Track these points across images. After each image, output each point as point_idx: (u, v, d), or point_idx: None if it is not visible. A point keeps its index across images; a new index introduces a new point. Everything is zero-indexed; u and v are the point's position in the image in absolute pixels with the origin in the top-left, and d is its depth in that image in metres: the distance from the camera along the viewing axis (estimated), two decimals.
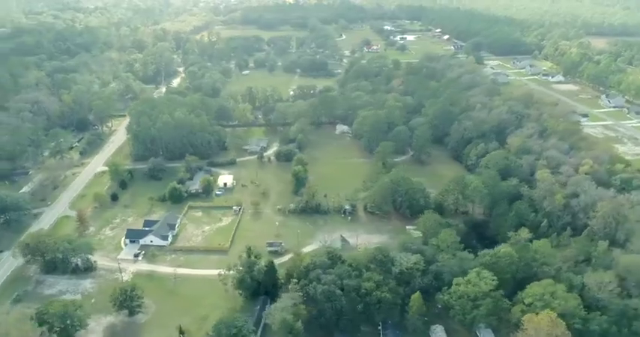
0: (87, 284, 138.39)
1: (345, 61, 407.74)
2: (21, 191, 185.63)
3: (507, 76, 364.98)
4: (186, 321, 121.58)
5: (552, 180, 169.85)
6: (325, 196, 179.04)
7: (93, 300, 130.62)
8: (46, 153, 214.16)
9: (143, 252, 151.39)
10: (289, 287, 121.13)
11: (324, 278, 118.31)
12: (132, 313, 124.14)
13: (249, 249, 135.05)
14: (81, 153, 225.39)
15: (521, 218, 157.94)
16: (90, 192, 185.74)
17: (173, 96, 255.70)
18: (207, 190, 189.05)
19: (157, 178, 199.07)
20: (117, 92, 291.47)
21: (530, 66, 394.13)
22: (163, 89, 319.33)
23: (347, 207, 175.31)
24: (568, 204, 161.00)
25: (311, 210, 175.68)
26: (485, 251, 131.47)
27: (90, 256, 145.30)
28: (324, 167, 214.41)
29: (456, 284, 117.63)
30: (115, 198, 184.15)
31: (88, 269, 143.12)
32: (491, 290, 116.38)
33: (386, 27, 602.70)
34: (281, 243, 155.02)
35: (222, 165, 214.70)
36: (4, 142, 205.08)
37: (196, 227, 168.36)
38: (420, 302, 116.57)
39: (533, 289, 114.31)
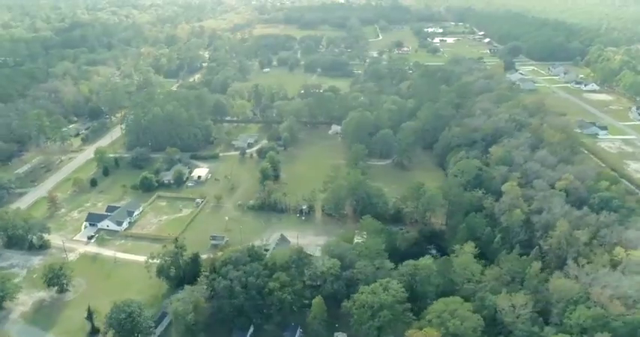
0: (36, 260, 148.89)
1: (367, 61, 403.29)
2: (15, 172, 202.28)
3: (534, 82, 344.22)
4: (105, 303, 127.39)
5: (518, 194, 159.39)
6: (284, 195, 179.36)
7: (35, 275, 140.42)
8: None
9: (97, 235, 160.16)
10: (199, 279, 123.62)
11: (231, 274, 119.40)
12: (61, 290, 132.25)
13: (176, 239, 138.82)
14: (83, 140, 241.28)
15: (473, 231, 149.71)
16: (76, 176, 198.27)
17: (172, 91, 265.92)
18: (179, 181, 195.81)
19: (139, 167, 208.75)
20: (134, 84, 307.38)
21: (565, 73, 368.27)
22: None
23: (304, 207, 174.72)
24: (528, 221, 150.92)
25: (269, 208, 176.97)
26: (408, 262, 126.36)
27: (46, 235, 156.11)
28: (301, 166, 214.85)
29: (361, 293, 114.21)
30: (94, 183, 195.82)
31: (42, 246, 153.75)
32: (398, 302, 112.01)
33: (429, 29, 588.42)
34: (224, 237, 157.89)
35: (204, 159, 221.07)
36: (13, 126, 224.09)
37: (155, 215, 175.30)
38: (321, 307, 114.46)
39: (437, 305, 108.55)
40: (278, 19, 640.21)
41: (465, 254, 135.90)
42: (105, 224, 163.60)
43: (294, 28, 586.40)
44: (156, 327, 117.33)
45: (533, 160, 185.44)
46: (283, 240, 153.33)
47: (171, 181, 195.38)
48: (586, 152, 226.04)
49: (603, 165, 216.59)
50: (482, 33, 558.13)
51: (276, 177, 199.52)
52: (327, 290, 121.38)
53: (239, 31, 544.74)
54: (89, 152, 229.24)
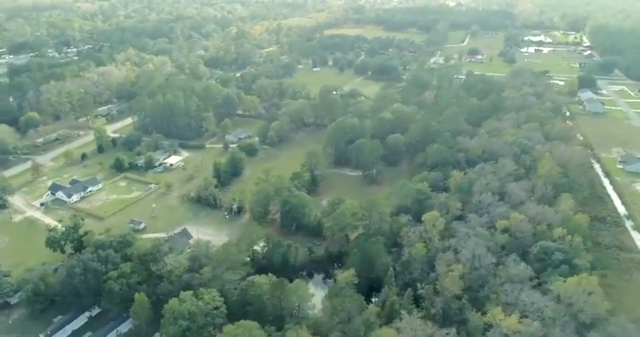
0: None
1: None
2: (35, 140, 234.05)
3: (603, 104, 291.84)
4: (9, 262, 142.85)
5: (439, 226, 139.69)
6: (218, 190, 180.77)
7: None
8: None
9: (47, 203, 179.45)
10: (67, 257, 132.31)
11: (83, 256, 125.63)
12: None
13: (75, 216, 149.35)
14: (107, 120, 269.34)
15: (369, 258, 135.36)
16: (69, 150, 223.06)
17: (185, 82, 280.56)
18: (148, 166, 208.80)
19: (130, 148, 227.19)
20: (181, 73, 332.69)
21: None
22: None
23: (234, 206, 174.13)
24: (432, 259, 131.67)
25: (204, 202, 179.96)
26: (251, 277, 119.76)
27: (9, 196, 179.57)
28: (274, 166, 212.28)
29: (178, 298, 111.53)
30: (83, 158, 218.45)
31: (1, 206, 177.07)
32: (214, 309, 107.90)
33: (530, 37, 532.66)
34: (141, 223, 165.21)
35: (191, 148, 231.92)
36: (51, 102, 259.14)
37: (107, 194, 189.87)
38: (141, 304, 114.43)
39: (230, 328, 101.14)
40: (368, 20, 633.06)
41: (340, 281, 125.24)
42: (59, 194, 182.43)
43: (381, 30, 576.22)
44: (16, 292, 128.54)
45: (498, 192, 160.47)
46: (184, 234, 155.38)
47: (142, 164, 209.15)
48: (610, 193, 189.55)
49: (623, 212, 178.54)
50: (587, 45, 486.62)
51: (235, 174, 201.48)
52: (163, 288, 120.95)
53: (322, 30, 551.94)
54: (110, 127, 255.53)
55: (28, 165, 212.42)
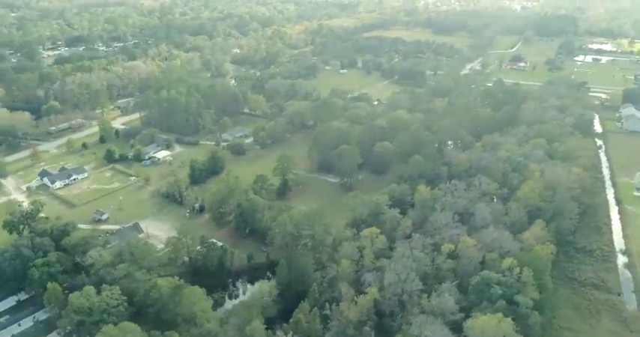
0: None
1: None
2: (50, 128, 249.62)
3: None
4: None
5: (375, 243, 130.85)
6: (186, 189, 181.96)
7: None
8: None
9: (31, 188, 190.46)
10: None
11: (19, 241, 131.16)
12: None
13: (36, 202, 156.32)
14: (122, 112, 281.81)
15: (295, 272, 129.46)
16: (71, 138, 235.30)
17: (191, 78, 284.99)
18: (137, 158, 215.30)
19: (128, 140, 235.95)
20: (201, 71, 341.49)
21: None
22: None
23: (196, 205, 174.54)
24: (359, 278, 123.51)
25: (172, 198, 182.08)
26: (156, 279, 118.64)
27: (2, 179, 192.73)
28: (257, 167, 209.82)
29: (80, 292, 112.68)
30: (84, 147, 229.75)
31: None
32: (115, 306, 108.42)
33: (591, 45, 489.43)
34: (104, 213, 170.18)
35: (185, 144, 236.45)
36: (74, 93, 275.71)
37: (90, 183, 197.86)
38: (54, 293, 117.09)
39: (109, 328, 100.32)
40: (418, 22, 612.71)
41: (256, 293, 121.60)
42: (45, 180, 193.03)
43: (429, 32, 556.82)
44: None
45: (463, 212, 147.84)
46: (134, 228, 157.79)
47: (131, 157, 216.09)
48: (613, 223, 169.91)
49: (620, 246, 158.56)
50: None
51: (215, 172, 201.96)
52: (79, 280, 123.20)
53: (366, 31, 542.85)
54: (117, 122, 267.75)
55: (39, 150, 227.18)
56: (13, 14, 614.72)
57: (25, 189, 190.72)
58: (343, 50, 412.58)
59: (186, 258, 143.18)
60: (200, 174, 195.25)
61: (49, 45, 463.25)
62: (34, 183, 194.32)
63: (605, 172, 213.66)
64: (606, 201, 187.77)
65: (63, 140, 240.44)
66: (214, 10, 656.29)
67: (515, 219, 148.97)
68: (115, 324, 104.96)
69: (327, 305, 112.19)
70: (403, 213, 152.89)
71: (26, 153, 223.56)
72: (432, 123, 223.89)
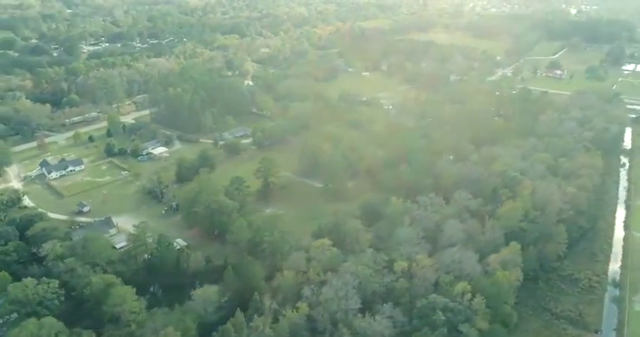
0: None
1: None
2: (65, 120, 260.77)
3: None
4: None
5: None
6: (166, 186, 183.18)
7: None
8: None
9: (29, 177, 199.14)
10: None
11: None
12: None
13: (17, 191, 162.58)
14: (136, 107, 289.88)
15: (243, 279, 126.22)
16: (79, 131, 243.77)
17: (203, 76, 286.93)
18: (134, 154, 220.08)
19: (131, 134, 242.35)
20: (222, 69, 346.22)
21: None
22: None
23: (174, 203, 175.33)
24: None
25: (154, 194, 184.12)
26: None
27: (5, 167, 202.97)
28: (248, 168, 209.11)
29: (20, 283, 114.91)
30: (91, 140, 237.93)
31: None
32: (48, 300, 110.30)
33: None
34: (86, 206, 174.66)
35: (186, 141, 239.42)
36: (93, 89, 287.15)
37: (84, 175, 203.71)
38: (1, 280, 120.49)
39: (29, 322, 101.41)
40: (459, 26, 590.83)
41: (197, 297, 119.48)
42: (43, 170, 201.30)
43: (467, 36, 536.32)
44: None
45: (433, 229, 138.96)
46: (106, 222, 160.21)
47: (128, 152, 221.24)
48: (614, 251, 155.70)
49: (614, 277, 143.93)
50: None
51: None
52: (30, 270, 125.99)
53: (402, 33, 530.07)
54: (130, 117, 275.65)
55: (50, 139, 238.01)
56: (69, 11, 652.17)
57: (23, 178, 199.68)
58: (368, 52, 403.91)
59: (147, 256, 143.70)
60: (187, 173, 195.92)
61: (92, 40, 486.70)
62: (34, 173, 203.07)
63: (622, 194, 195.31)
64: (612, 226, 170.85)
65: (85, 129, 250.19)
66: (254, 10, 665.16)
67: (490, 239, 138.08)
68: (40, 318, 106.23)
69: (256, 318, 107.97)
70: (372, 225, 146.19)
71: (36, 143, 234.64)
72: (434, 131, 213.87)
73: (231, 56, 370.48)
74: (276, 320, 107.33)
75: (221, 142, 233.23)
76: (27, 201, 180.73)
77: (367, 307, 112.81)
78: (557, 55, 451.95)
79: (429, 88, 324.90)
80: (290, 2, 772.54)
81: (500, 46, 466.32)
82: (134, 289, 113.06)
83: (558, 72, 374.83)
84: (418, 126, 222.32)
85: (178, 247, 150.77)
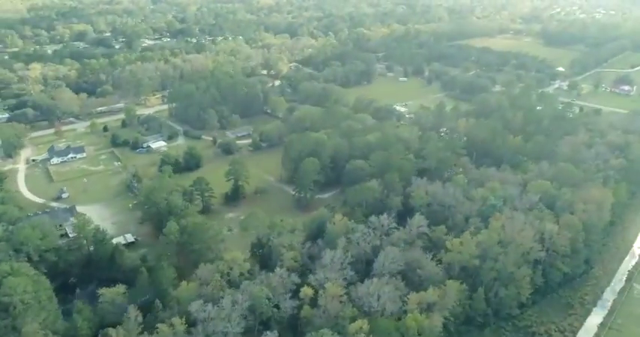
0: None
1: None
2: (92, 109, 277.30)
3: None
4: None
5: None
6: (139, 181, 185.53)
7: None
8: None
9: (34, 161, 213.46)
10: None
11: None
12: None
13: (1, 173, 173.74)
14: (162, 100, 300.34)
15: (156, 282, 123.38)
16: (95, 121, 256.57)
17: (222, 74, 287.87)
18: (134, 146, 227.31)
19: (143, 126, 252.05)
20: (255, 68, 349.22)
21: None
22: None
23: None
24: None
25: (130, 188, 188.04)
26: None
27: (19, 149, 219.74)
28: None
29: None
30: (105, 129, 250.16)
31: (11, 155, 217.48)
32: None
33: None
34: (65, 192, 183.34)
35: (190, 136, 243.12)
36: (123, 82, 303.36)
37: (82, 163, 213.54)
38: None
39: None
40: (531, 31, 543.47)
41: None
42: (48, 154, 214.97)
43: (536, 43, 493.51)
44: None
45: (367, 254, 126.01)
46: (69, 210, 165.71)
47: (130, 143, 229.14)
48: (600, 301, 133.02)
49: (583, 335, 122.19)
50: None
51: (190, 169, 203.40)
52: None
53: (463, 38, 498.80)
54: (153, 109, 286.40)
55: (68, 127, 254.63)
56: (152, 7, 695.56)
57: (29, 161, 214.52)
58: (411, 57, 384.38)
59: (92, 249, 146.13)
60: (171, 169, 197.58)
61: (157, 35, 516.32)
62: (40, 157, 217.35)
63: None
64: (610, 275, 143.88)
65: (103, 119, 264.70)
66: (319, 10, 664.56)
67: (431, 274, 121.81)
68: None
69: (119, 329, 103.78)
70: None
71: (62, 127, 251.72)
72: (434, 145, 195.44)
73: (268, 55, 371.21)
74: (151, 332, 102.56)
75: (219, 140, 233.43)
76: (21, 183, 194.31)
77: (254, 332, 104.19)
78: (636, 69, 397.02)
79: (465, 98, 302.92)
80: (360, 2, 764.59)
81: (572, 55, 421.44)
82: (47, 281, 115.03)
83: (626, 87, 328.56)
84: (419, 139, 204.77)
85: (124, 242, 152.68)
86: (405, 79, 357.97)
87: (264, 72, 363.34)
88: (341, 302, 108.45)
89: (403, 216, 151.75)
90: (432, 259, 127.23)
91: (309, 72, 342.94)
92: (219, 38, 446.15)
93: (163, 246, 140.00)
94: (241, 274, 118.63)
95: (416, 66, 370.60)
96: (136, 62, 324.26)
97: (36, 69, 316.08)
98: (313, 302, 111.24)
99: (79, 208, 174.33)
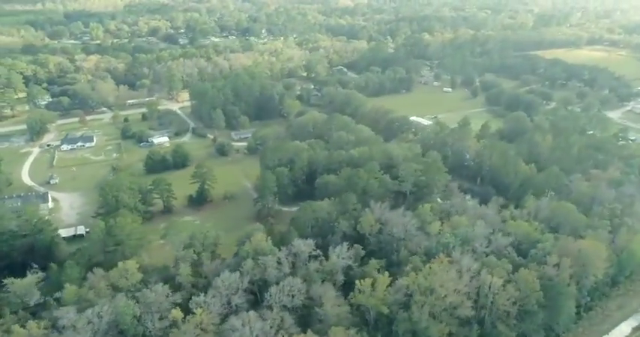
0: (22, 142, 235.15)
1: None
2: (125, 101, 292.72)
3: None
4: None
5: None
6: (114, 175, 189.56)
7: None
8: None
9: (51, 146, 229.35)
10: None
11: None
12: None
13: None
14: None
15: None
16: (118, 113, 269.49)
17: (247, 75, 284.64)
18: (140, 139, 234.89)
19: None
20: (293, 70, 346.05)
21: None
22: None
23: None
24: None
25: None
26: None
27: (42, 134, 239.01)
28: (221, 170, 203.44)
29: None
30: (126, 121, 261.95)
31: (35, 139, 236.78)
32: None
33: None
34: (54, 179, 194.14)
35: (197, 134, 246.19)
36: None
37: (86, 151, 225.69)
38: None
39: None
40: (630, 43, 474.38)
41: None
42: (62, 141, 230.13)
43: (633, 58, 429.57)
44: None
45: None
46: (42, 197, 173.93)
47: (136, 136, 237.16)
48: None
49: None
50: None
51: (178, 166, 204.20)
52: None
53: (540, 48, 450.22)
54: (180, 105, 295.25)
55: (91, 117, 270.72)
56: (232, 5, 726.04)
57: (44, 146, 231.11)
58: (463, 65, 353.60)
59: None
60: (156, 165, 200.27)
61: (224, 33, 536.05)
62: (55, 143, 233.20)
63: None
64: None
65: (127, 112, 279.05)
66: (391, 13, 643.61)
67: (333, 315, 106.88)
68: None
69: None
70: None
71: (88, 118, 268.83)
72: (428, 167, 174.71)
73: (310, 57, 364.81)
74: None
75: (219, 140, 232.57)
76: (26, 165, 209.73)
77: None
78: None
79: (507, 114, 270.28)
80: (443, 6, 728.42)
81: None
82: None
83: None
84: (415, 158, 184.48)
85: (73, 234, 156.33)
86: (449, 89, 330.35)
87: (305, 74, 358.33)
88: (205, 331, 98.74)
89: (357, 241, 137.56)
90: (345, 298, 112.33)
91: (340, 77, 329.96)
92: (264, 38, 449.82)
93: (96, 243, 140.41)
94: (134, 285, 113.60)
95: (467, 75, 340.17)
96: (179, 58, 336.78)
97: (91, 60, 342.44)
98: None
99: (59, 195, 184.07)
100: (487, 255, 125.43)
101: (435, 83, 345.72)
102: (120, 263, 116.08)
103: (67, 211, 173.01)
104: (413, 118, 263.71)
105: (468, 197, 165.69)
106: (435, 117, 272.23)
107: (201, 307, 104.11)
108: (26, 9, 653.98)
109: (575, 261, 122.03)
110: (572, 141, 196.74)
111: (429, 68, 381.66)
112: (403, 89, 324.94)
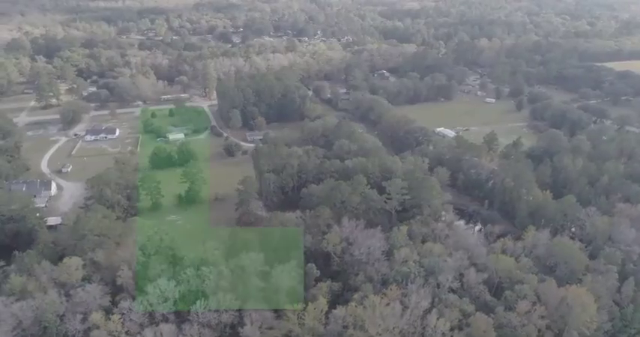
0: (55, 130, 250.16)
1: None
2: (160, 96, 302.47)
3: None
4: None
5: None
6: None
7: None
8: None
9: (78, 135, 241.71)
10: None
11: None
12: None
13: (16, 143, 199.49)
14: None
15: None
16: (145, 108, 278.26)
17: (264, 80, 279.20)
18: (157, 135, 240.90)
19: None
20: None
21: None
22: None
23: None
24: None
25: None
26: None
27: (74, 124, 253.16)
28: (222, 171, 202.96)
29: None
30: (153, 116, 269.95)
31: (67, 128, 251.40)
32: None
33: None
34: (67, 168, 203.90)
35: (215, 133, 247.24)
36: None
37: (106, 143, 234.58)
38: None
39: None
40: None
41: None
42: (86, 132, 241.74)
43: None
44: None
45: None
46: (45, 184, 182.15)
47: (155, 131, 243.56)
48: None
49: None
50: None
51: (181, 164, 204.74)
52: None
53: (610, 59, 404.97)
54: (210, 102, 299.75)
55: (122, 110, 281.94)
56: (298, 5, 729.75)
57: (72, 135, 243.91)
58: (512, 75, 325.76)
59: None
60: (160, 162, 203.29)
61: (279, 33, 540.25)
62: (81, 133, 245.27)
63: None
64: None
65: (157, 107, 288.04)
66: (458, 17, 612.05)
67: None
68: None
69: None
70: None
71: (120, 110, 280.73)
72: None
73: (350, 60, 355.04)
74: None
75: (232, 138, 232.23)
76: (49, 153, 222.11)
77: None
78: None
79: (548, 130, 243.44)
80: (516, 11, 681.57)
81: None
82: None
83: None
84: (408, 174, 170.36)
85: (60, 223, 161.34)
86: (492, 100, 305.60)
87: (344, 77, 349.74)
88: None
89: (324, 260, 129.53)
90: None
91: (374, 82, 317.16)
92: (305, 39, 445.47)
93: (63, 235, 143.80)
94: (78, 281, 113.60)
95: (516, 86, 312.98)
96: (219, 57, 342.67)
97: (140, 55, 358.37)
98: None
99: (66, 184, 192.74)
100: (452, 291, 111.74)
101: (479, 93, 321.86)
102: (65, 259, 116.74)
103: (66, 200, 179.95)
104: (439, 130, 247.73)
105: (461, 221, 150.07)
106: (467, 129, 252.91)
107: (123, 313, 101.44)
108: (108, 6, 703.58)
109: (554, 311, 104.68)
110: (606, 168, 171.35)
111: (479, 76, 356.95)
112: (442, 97, 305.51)
